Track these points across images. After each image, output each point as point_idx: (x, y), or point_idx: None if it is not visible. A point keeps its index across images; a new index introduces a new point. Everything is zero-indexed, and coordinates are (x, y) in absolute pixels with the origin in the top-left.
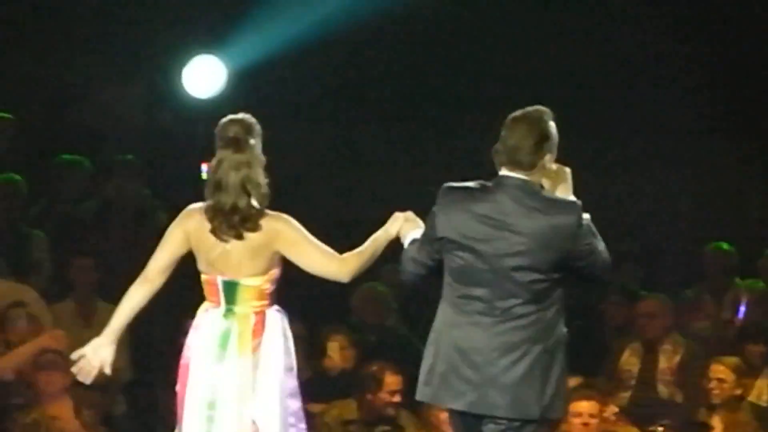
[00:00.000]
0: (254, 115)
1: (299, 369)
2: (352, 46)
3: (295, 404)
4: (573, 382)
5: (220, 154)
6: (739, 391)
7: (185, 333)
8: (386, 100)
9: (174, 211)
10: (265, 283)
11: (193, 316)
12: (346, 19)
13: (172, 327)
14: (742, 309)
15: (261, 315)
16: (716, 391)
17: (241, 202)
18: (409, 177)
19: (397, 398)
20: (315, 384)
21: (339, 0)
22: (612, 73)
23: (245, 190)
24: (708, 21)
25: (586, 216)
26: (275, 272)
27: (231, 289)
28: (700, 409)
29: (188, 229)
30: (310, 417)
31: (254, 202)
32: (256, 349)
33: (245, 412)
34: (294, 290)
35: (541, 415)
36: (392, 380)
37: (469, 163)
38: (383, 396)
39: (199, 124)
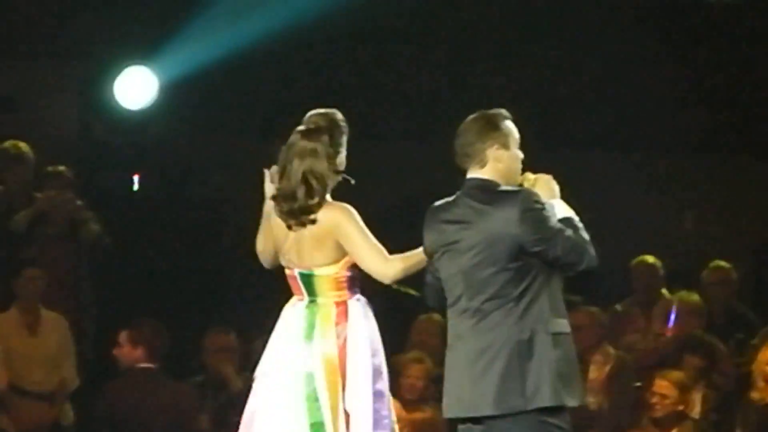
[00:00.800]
0: (184, 126)
1: None
2: (284, 58)
3: (381, 391)
4: None
5: (292, 139)
6: (681, 407)
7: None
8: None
9: (105, 221)
10: (340, 271)
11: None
12: (279, 31)
13: (112, 335)
14: (672, 318)
15: (343, 305)
16: (658, 406)
17: (300, 191)
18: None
19: None
20: None
21: (270, 13)
22: None
23: (305, 180)
24: None
25: (552, 202)
26: (349, 259)
27: (308, 280)
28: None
29: (269, 215)
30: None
31: (314, 194)
32: (340, 338)
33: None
34: None
35: (525, 405)
36: None
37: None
38: None
39: (131, 135)
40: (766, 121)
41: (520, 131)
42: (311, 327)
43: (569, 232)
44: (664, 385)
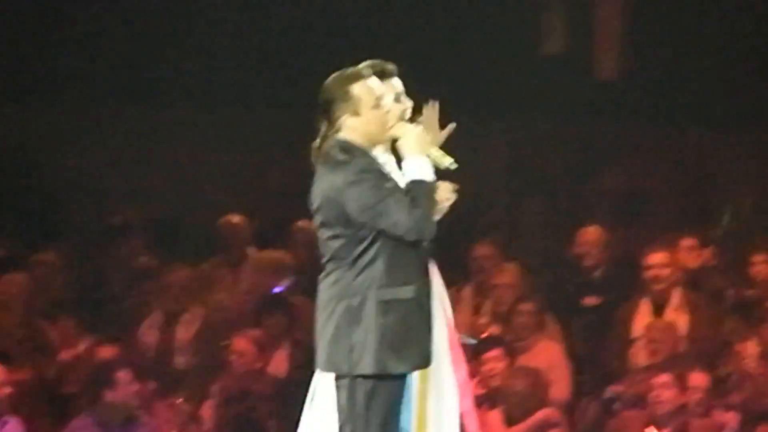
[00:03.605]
0: None
1: None
2: None
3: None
4: None
5: None
6: (259, 365)
7: None
8: None
9: None
10: None
11: None
12: None
13: None
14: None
15: None
16: (236, 364)
17: None
18: None
19: None
20: None
21: None
22: None
23: None
24: None
25: (412, 158)
26: None
27: None
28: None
29: None
30: None
31: None
32: None
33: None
34: None
35: (349, 371)
36: None
37: None
38: None
39: None
40: None
41: None
42: None
43: (401, 200)
44: (242, 343)
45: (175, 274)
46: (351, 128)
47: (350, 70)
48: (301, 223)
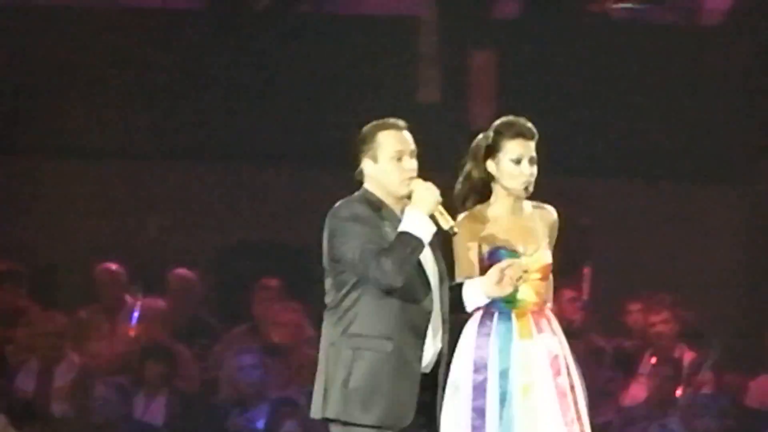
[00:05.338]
0: None
1: None
2: None
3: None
4: None
5: None
6: (123, 410)
7: None
8: None
9: None
10: None
11: None
12: None
13: None
14: (135, 316)
15: None
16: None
17: None
18: None
19: None
20: None
21: None
22: None
23: None
24: None
25: (409, 212)
26: None
27: None
28: None
29: None
30: None
31: None
32: None
33: None
34: None
35: (321, 414)
36: None
37: None
38: None
39: None
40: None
41: None
42: None
43: (370, 246)
44: (104, 391)
45: (51, 321)
46: (369, 176)
47: (388, 120)
48: (177, 271)
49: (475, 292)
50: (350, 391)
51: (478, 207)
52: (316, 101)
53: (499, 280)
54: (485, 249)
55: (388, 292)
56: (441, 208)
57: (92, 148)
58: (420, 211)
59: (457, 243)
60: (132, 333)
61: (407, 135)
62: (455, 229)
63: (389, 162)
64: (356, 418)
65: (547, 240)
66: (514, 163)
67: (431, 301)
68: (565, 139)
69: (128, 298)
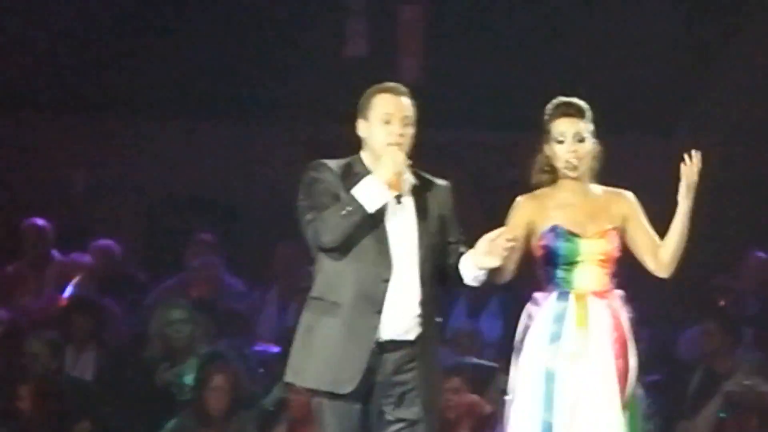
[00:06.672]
0: None
1: None
2: None
3: None
4: None
5: None
6: (54, 365)
7: None
8: None
9: None
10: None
11: None
12: None
13: None
14: (71, 288)
15: None
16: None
17: None
18: None
19: None
20: None
21: None
22: None
23: None
24: None
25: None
26: None
27: None
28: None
29: None
30: None
31: None
32: None
33: None
34: None
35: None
36: None
37: None
38: None
39: None
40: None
41: None
42: None
43: (303, 203)
44: (36, 345)
45: None
46: (362, 138)
47: (388, 84)
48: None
49: (469, 264)
50: (301, 355)
51: (545, 189)
52: (242, 56)
53: (489, 251)
54: (543, 227)
55: (338, 256)
56: (406, 176)
57: (20, 103)
58: (375, 178)
59: (508, 220)
60: (59, 288)
61: (404, 101)
62: (401, 200)
63: (377, 124)
64: (300, 381)
65: (615, 224)
66: (557, 143)
67: (388, 268)
68: (493, 93)
69: (55, 253)
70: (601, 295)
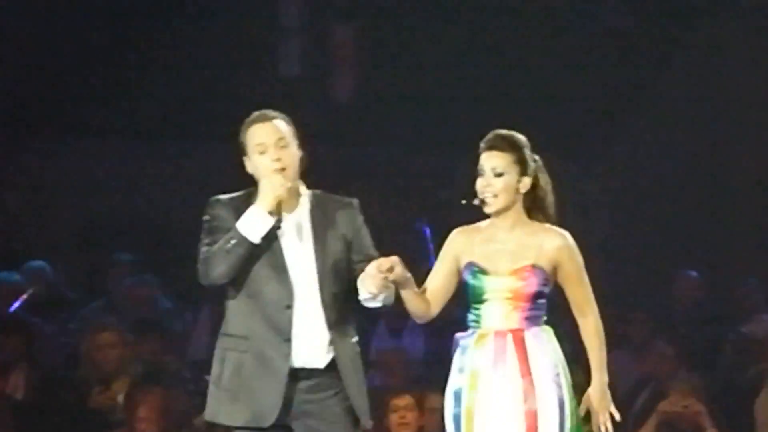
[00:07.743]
0: None
1: None
2: None
3: None
4: None
5: None
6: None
7: None
8: None
9: None
10: None
11: None
12: None
13: None
14: (18, 303)
15: None
16: None
17: None
18: None
19: None
20: None
21: None
22: None
23: None
24: None
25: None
26: None
27: None
28: None
29: None
30: None
31: None
32: None
33: None
34: None
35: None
36: None
37: None
38: None
39: None
40: None
41: None
42: None
43: (201, 243)
44: None
45: None
46: (251, 172)
47: (254, 114)
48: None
49: (359, 285)
50: (219, 393)
51: (481, 222)
52: (175, 74)
53: (371, 276)
54: (464, 262)
55: (239, 289)
56: (302, 199)
57: None
58: (256, 207)
59: (441, 253)
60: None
61: (275, 124)
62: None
63: (255, 157)
64: (223, 419)
65: (539, 262)
66: (479, 176)
67: (290, 294)
68: (427, 110)
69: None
70: (504, 335)
